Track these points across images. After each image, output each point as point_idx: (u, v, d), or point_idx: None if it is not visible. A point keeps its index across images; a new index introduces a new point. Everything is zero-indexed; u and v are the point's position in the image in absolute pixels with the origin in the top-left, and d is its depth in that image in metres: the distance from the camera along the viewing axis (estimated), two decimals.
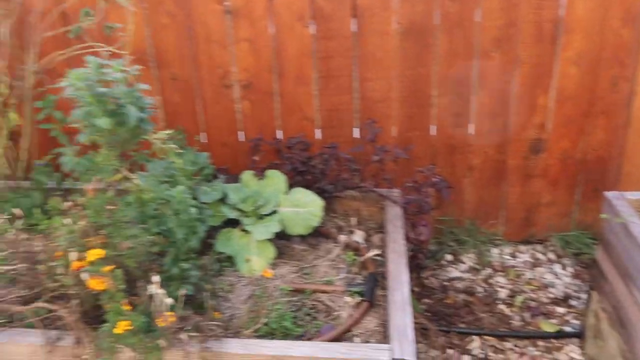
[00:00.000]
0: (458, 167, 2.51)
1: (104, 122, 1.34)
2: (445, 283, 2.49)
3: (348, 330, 1.67)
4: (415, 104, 2.39)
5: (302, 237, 2.04)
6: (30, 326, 1.57)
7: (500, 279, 2.50)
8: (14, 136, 2.11)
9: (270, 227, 1.90)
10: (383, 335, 1.65)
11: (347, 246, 2.01)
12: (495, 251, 2.64)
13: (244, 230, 1.95)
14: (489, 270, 2.55)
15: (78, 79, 1.29)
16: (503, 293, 2.42)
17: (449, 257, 2.63)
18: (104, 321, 1.45)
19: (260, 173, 2.11)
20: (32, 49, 1.98)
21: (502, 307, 2.36)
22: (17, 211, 1.66)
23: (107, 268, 1.39)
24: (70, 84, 1.33)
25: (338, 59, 2.34)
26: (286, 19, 2.28)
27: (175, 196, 1.49)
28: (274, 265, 1.91)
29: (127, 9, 1.79)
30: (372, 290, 1.77)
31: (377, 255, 1.93)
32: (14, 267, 1.66)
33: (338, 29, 2.29)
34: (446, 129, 2.43)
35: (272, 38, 2.32)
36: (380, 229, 2.12)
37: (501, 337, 2.22)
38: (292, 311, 1.74)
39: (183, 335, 1.45)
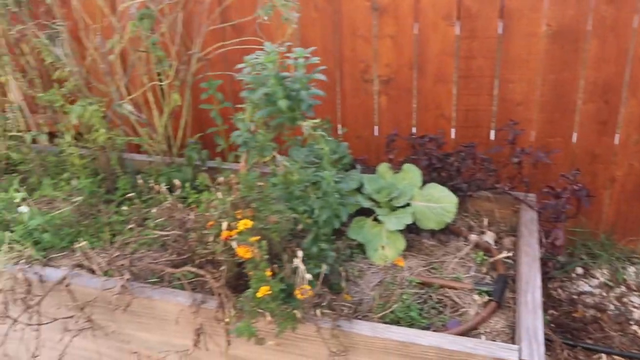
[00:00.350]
0: (598, 178, 2.41)
1: (283, 103, 1.44)
2: (573, 296, 2.40)
3: (474, 327, 1.67)
4: (557, 109, 2.33)
5: (432, 233, 2.06)
6: (179, 287, 1.72)
7: (636, 299, 2.37)
8: (173, 116, 2.30)
9: (403, 219, 1.93)
10: (510, 337, 1.63)
11: (477, 246, 2.00)
12: (631, 269, 2.50)
13: (376, 220, 2.00)
14: (622, 289, 2.43)
15: (266, 60, 1.40)
16: (638, 314, 2.30)
17: (579, 270, 2.52)
18: (244, 290, 1.56)
19: (395, 166, 2.16)
20: (197, 39, 2.15)
21: (635, 327, 2.24)
22: (177, 182, 1.81)
23: (254, 238, 1.49)
24: (249, 66, 1.45)
25: (480, 59, 2.33)
26: (431, 17, 2.30)
27: (326, 179, 1.57)
28: (402, 257, 1.94)
29: (288, 5, 1.89)
30: (501, 291, 1.76)
31: (508, 257, 1.91)
32: (168, 233, 1.82)
33: (483, 29, 2.27)
34: (589, 136, 2.34)
35: (415, 35, 2.35)
36: (513, 232, 2.09)
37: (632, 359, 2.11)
38: (419, 303, 1.77)
39: (318, 311, 1.52)
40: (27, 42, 2.06)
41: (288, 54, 1.58)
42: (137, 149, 2.62)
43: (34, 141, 2.33)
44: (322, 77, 1.56)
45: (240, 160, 1.73)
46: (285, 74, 1.53)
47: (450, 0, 2.25)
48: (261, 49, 1.56)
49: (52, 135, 2.35)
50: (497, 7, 2.23)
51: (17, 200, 1.90)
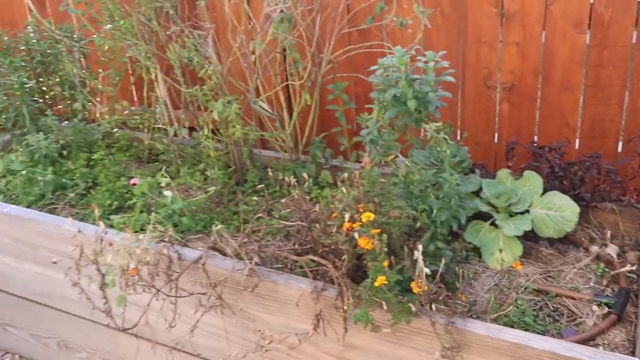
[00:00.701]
0: None
1: (412, 103, 1.53)
2: None
3: (592, 338, 1.66)
4: None
5: (551, 241, 2.04)
6: (301, 274, 1.84)
7: None
8: (300, 115, 2.44)
9: (522, 225, 1.94)
10: (630, 351, 1.60)
11: (598, 258, 1.97)
12: None
13: (493, 225, 2.02)
14: None
15: (398, 62, 1.50)
16: None
17: None
18: (361, 281, 1.65)
19: (515, 173, 2.16)
20: (329, 41, 2.27)
21: None
22: (305, 175, 1.94)
23: (375, 231, 1.57)
24: (381, 68, 1.55)
25: (611, 68, 2.27)
26: (560, 25, 2.28)
27: (448, 180, 1.63)
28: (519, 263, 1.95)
29: (416, 10, 1.97)
30: (623, 303, 1.73)
31: (631, 271, 1.87)
32: (292, 224, 1.95)
33: (616, 37, 2.22)
34: None
35: (542, 43, 2.33)
36: (637, 246, 2.03)
37: None
38: (534, 309, 1.78)
39: (433, 306, 1.58)
40: (176, 42, 2.27)
41: (417, 58, 1.66)
42: (264, 145, 2.80)
43: (175, 134, 2.56)
44: (451, 79, 1.62)
45: (364, 158, 1.83)
46: (415, 75, 1.61)
47: (582, 8, 2.22)
48: (385, 54, 1.65)
49: (190, 129, 2.57)
50: (633, 15, 2.17)
51: (163, 185, 2.11)
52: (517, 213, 2.02)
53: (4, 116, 2.70)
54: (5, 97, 2.67)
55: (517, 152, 2.31)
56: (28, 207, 2.37)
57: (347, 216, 1.63)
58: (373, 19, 2.11)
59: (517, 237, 1.96)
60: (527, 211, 2.01)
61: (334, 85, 2.26)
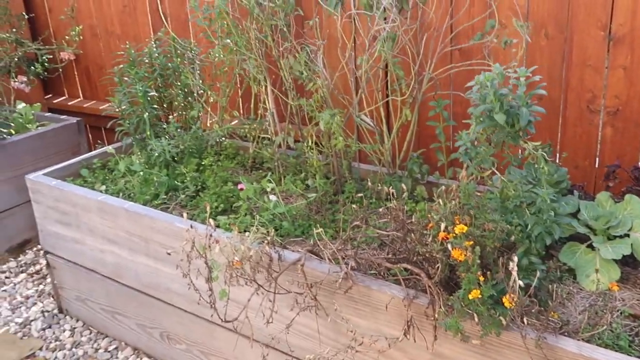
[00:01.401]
0: None
1: (500, 117, 1.58)
2: None
3: None
4: None
5: None
6: (393, 282, 1.91)
7: None
8: (399, 130, 2.52)
9: (620, 249, 1.91)
10: None
11: None
12: None
13: (590, 247, 2.01)
14: None
15: (486, 78, 1.57)
16: None
17: None
18: (452, 291, 1.70)
19: (616, 197, 2.14)
20: (431, 59, 2.35)
21: None
22: (403, 186, 2.01)
23: (469, 243, 1.62)
24: (477, 85, 1.62)
25: None
26: None
27: (541, 196, 1.66)
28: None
29: (515, 25, 2.01)
30: None
31: None
32: (388, 233, 2.03)
33: None
34: None
35: None
36: None
37: None
38: (629, 334, 1.75)
39: (524, 320, 1.60)
40: (287, 57, 2.43)
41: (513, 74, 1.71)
42: (361, 159, 2.90)
43: (279, 145, 2.72)
44: (542, 92, 1.65)
45: (460, 173, 1.89)
46: (504, 90, 1.66)
47: None
48: (485, 71, 1.71)
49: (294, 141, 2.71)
50: None
51: (268, 190, 2.25)
52: (615, 236, 1.99)
53: (127, 122, 2.97)
54: (129, 105, 2.94)
55: (618, 175, 2.28)
56: (144, 204, 2.59)
57: (442, 226, 1.69)
58: (482, 36, 2.16)
59: (615, 261, 1.93)
60: (627, 235, 1.98)
61: (436, 103, 2.34)
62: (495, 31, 2.18)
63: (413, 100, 2.40)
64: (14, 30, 4.18)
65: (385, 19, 2.20)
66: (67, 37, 4.21)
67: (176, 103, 3.09)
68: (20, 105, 4.00)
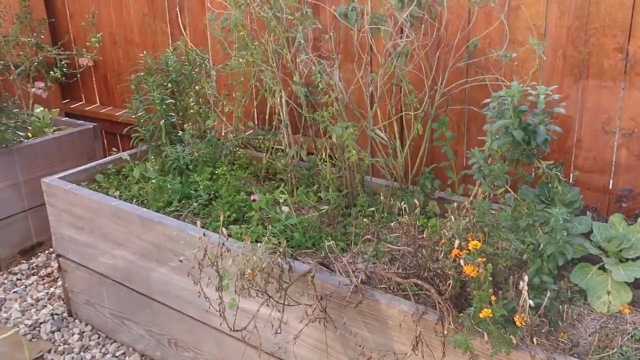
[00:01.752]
0: None
1: (518, 134, 1.59)
2: None
3: None
4: None
5: None
6: (403, 297, 1.91)
7: None
8: (412, 145, 2.53)
9: (632, 272, 1.90)
10: None
11: None
12: None
13: (602, 269, 2.00)
14: None
15: (507, 94, 1.58)
16: None
17: None
18: (462, 308, 1.69)
19: (629, 219, 2.13)
20: (442, 75, 2.37)
21: None
22: (416, 202, 2.02)
23: (481, 259, 1.62)
24: (494, 101, 1.62)
25: None
26: None
27: (554, 215, 1.65)
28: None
29: (531, 42, 2.02)
30: None
31: None
32: (399, 248, 2.03)
33: None
34: None
35: None
36: None
37: None
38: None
39: (534, 340, 1.60)
40: (302, 70, 2.46)
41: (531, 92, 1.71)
42: (374, 173, 2.91)
43: (293, 156, 2.73)
44: (561, 110, 1.66)
45: (472, 191, 1.89)
46: (524, 107, 1.67)
47: None
48: (499, 88, 1.72)
49: (307, 153, 2.73)
50: None
51: (281, 201, 2.26)
52: (628, 259, 1.98)
53: (143, 128, 2.99)
54: (145, 112, 2.97)
55: (632, 198, 2.27)
56: (157, 211, 2.61)
57: (456, 243, 1.69)
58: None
59: (627, 284, 1.92)
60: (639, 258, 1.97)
61: (437, 124, 2.34)
62: (513, 48, 2.19)
63: (425, 114, 2.41)
64: (35, 34, 4.23)
65: (400, 34, 2.22)
66: (87, 43, 4.27)
67: (192, 111, 3.12)
68: (38, 109, 4.06)
